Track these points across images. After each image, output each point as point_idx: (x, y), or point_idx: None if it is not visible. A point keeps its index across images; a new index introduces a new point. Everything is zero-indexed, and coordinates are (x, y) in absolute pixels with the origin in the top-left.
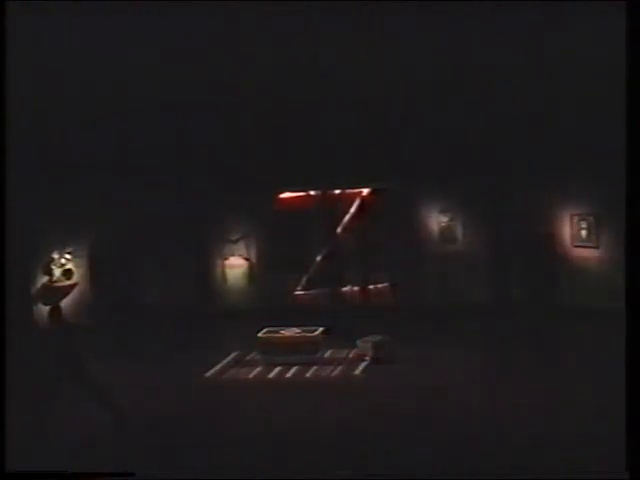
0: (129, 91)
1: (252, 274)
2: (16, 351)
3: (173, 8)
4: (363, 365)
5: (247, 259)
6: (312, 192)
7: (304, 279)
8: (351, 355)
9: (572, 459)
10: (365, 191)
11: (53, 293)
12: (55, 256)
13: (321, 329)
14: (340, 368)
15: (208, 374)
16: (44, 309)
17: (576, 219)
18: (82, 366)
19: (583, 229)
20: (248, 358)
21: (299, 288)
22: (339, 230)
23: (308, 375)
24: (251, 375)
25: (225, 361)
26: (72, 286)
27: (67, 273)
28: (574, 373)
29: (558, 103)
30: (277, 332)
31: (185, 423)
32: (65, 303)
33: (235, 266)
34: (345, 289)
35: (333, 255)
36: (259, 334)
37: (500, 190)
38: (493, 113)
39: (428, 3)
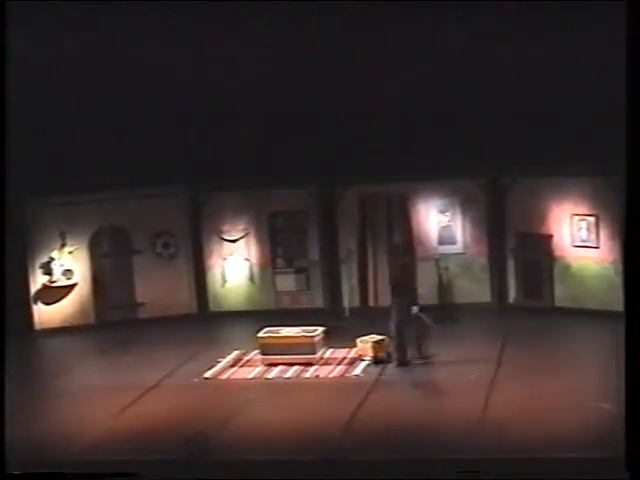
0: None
1: (252, 274)
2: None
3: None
4: (363, 365)
5: (247, 259)
6: (312, 192)
7: (304, 279)
8: (351, 355)
9: None
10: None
11: (53, 293)
12: (55, 256)
13: (321, 329)
14: (340, 368)
15: (207, 374)
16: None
17: (576, 219)
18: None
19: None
20: (248, 358)
21: (299, 288)
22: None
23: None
24: (251, 375)
25: (225, 361)
26: (72, 286)
27: (67, 273)
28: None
29: (557, 103)
30: (277, 332)
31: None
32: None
33: (235, 266)
34: (345, 289)
35: (333, 255)
36: (259, 334)
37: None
38: (493, 110)
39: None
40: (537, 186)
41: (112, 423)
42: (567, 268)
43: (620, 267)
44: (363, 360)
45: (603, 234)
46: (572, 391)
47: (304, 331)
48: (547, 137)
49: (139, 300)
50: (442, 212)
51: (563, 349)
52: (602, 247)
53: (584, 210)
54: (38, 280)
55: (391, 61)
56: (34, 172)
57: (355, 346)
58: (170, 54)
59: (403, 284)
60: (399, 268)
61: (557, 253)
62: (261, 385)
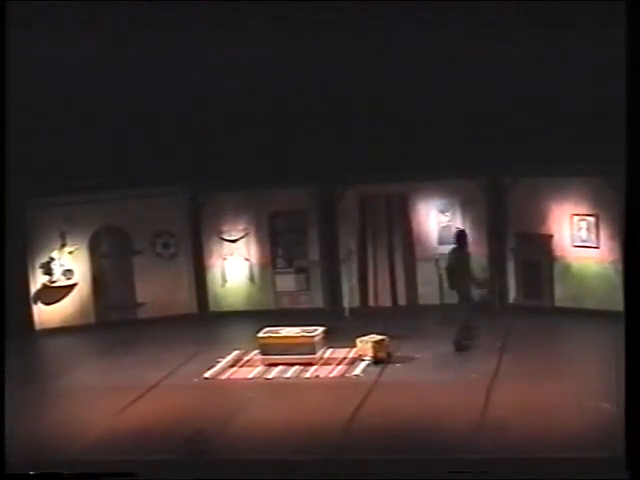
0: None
1: (252, 274)
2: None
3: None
4: (363, 365)
5: (247, 259)
6: (312, 192)
7: (304, 279)
8: (351, 355)
9: None
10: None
11: (53, 293)
12: (55, 256)
13: (321, 329)
14: (340, 368)
15: (207, 374)
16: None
17: (576, 219)
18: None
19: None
20: (248, 358)
21: (299, 288)
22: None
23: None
24: (251, 375)
25: (224, 361)
26: (72, 286)
27: (67, 273)
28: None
29: (557, 103)
30: (277, 332)
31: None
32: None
33: (235, 266)
34: (345, 289)
35: (333, 255)
36: (259, 334)
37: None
38: (492, 111)
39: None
40: (537, 186)
41: (112, 423)
42: (567, 268)
43: (620, 267)
44: (363, 360)
45: (603, 234)
46: (572, 391)
47: (304, 331)
48: (547, 137)
49: (139, 300)
50: (442, 212)
51: (563, 349)
52: (602, 247)
53: (584, 210)
54: (38, 280)
55: (391, 61)
56: (34, 172)
57: (355, 346)
58: (170, 54)
59: (462, 275)
60: (455, 261)
61: (557, 253)
62: (261, 385)
